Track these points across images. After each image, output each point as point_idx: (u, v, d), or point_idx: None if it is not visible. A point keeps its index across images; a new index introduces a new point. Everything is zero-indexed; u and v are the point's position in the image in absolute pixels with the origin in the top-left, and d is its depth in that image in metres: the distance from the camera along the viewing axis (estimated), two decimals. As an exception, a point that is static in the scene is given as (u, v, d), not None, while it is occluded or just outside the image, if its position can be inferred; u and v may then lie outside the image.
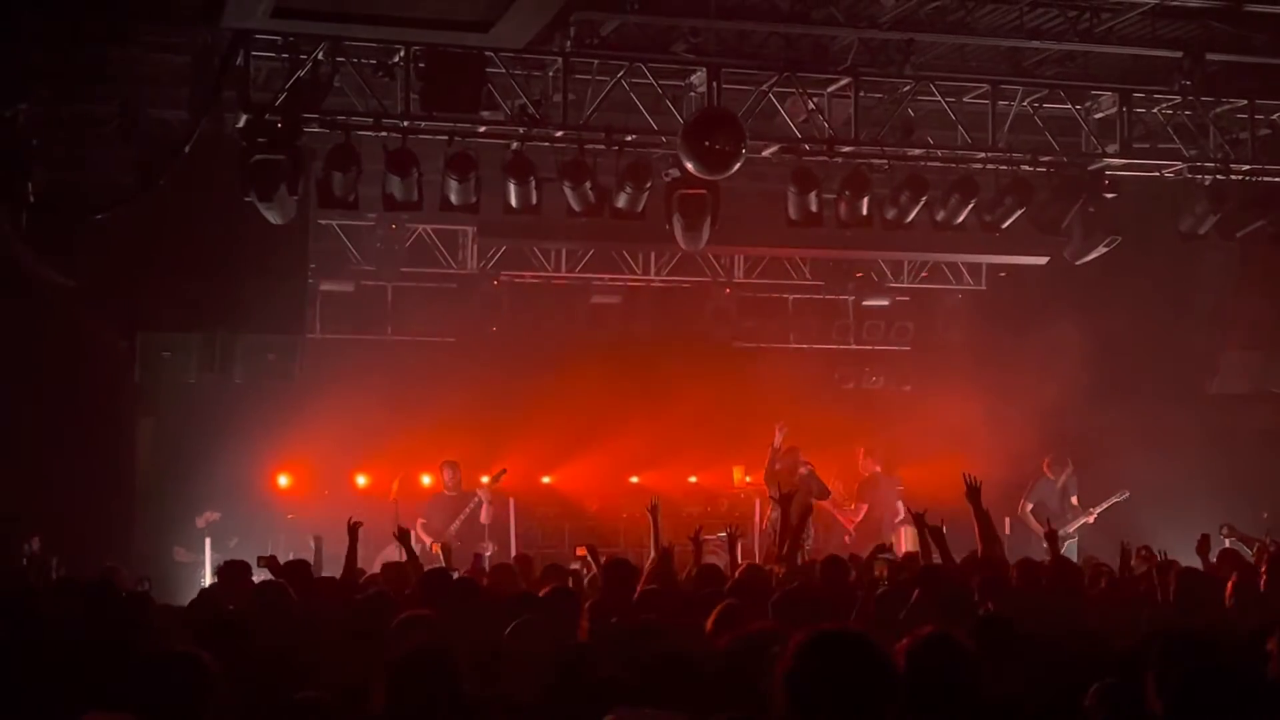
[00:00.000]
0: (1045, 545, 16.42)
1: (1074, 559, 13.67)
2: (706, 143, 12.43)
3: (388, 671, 5.50)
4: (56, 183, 13.37)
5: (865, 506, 17.65)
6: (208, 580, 14.27)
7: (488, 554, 15.05)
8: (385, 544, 16.68)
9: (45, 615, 8.26)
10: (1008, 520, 16.95)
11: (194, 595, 11.36)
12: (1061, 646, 6.94)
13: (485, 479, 16.94)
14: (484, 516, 16.50)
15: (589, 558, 11.92)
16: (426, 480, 18.20)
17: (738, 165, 12.66)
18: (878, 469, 17.98)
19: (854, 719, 4.13)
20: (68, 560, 12.52)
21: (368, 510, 17.67)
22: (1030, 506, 17.15)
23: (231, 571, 11.09)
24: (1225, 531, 14.87)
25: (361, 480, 18.41)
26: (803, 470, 16.82)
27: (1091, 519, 16.85)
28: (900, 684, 4.31)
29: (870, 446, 18.20)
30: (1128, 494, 16.65)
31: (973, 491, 10.50)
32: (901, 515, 17.24)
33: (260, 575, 10.98)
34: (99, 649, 6.78)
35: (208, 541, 16.10)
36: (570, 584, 10.36)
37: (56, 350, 14.16)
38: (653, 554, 11.01)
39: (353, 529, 11.13)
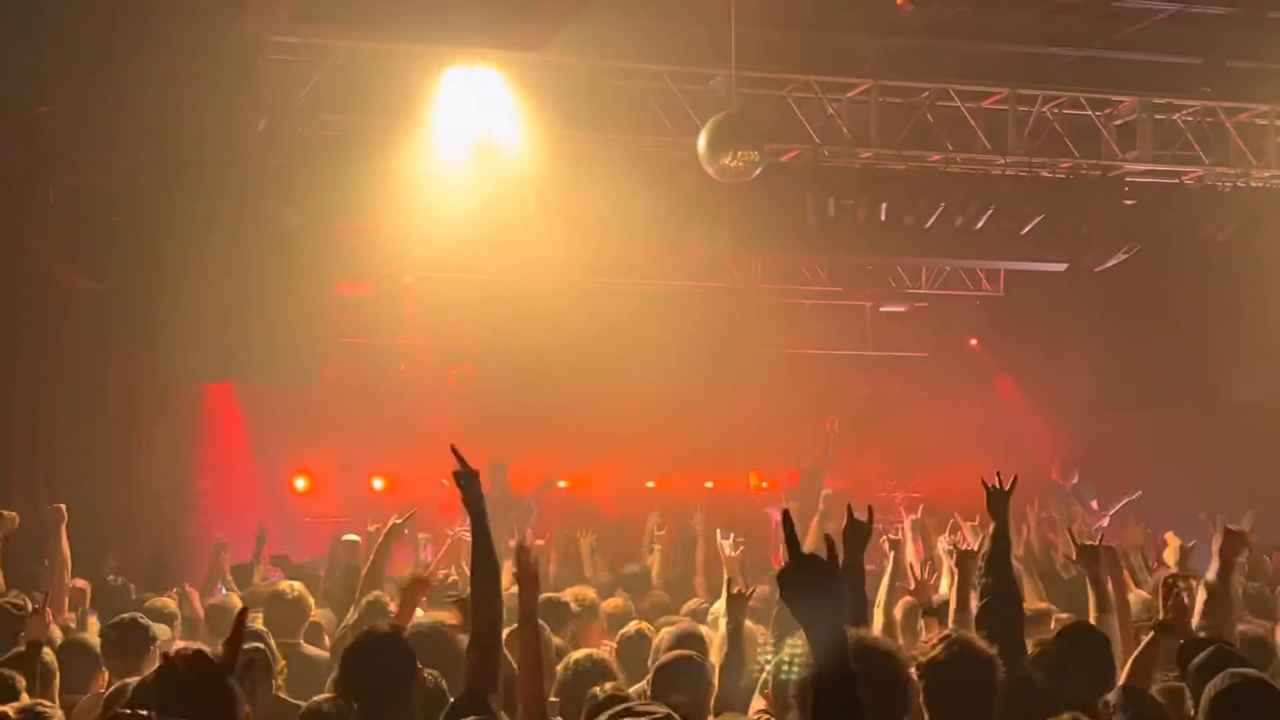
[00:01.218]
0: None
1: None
2: (725, 147, 12.41)
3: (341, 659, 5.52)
4: (77, 186, 13.42)
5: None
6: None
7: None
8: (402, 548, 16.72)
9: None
10: (1024, 527, 16.88)
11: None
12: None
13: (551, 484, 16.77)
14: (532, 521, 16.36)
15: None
16: (444, 483, 18.18)
17: (757, 171, 12.65)
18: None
19: None
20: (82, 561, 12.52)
21: (386, 514, 17.82)
22: (1044, 515, 17.11)
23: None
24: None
25: (379, 484, 18.45)
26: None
27: (1105, 521, 16.81)
28: (912, 694, 4.35)
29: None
30: (1139, 493, 16.62)
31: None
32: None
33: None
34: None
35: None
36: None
37: (75, 352, 14.20)
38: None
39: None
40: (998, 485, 6.60)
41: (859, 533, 5.97)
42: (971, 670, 5.07)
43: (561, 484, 18.71)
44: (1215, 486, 16.27)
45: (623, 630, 8.00)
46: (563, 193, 13.66)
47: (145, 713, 4.57)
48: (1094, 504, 17.10)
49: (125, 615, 7.87)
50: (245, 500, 16.86)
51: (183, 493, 15.71)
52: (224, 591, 10.85)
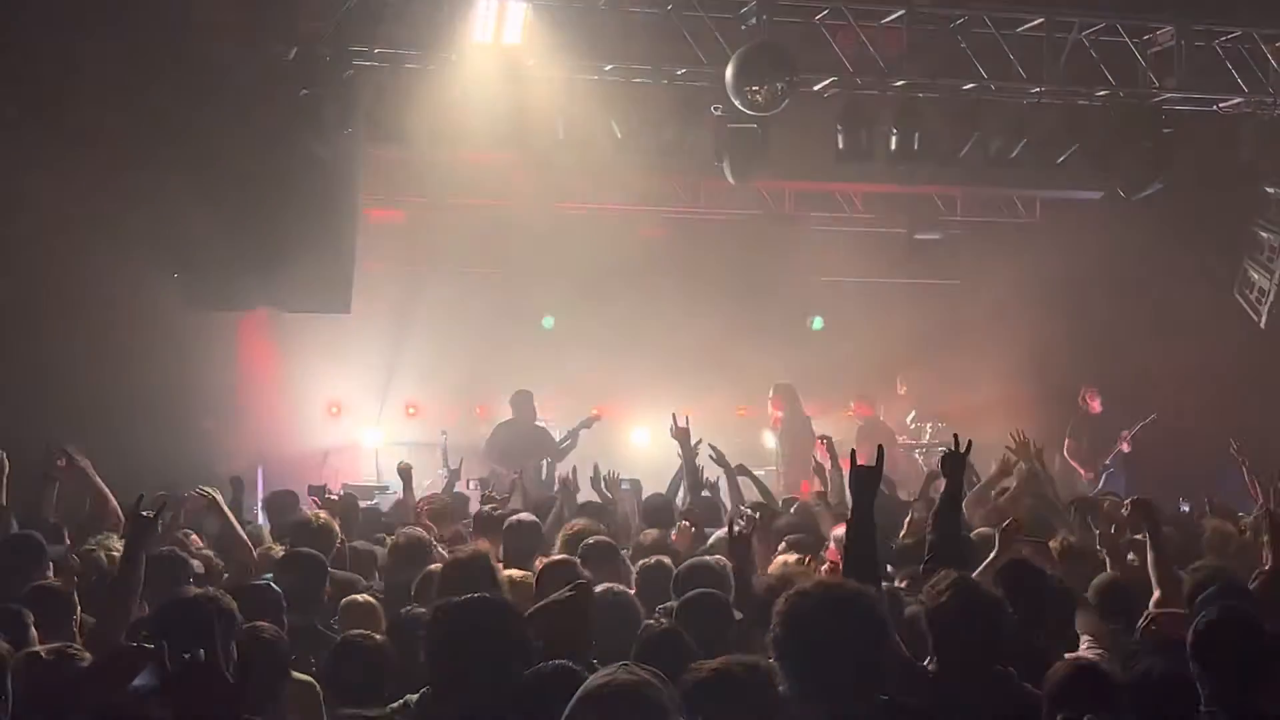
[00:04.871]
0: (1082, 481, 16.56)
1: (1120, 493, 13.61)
2: (756, 78, 12.30)
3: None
4: (107, 115, 13.41)
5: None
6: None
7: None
8: (433, 474, 16.86)
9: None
10: (1057, 458, 16.90)
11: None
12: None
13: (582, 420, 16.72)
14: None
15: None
16: (476, 411, 18.40)
17: (786, 101, 12.54)
18: (871, 413, 17.92)
19: (839, 672, 4.22)
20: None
21: (417, 440, 17.96)
22: (1071, 444, 17.11)
23: (279, 503, 11.23)
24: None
25: (411, 411, 18.56)
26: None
27: (1125, 446, 16.80)
28: (882, 635, 4.40)
29: (863, 393, 18.08)
30: (1154, 416, 16.65)
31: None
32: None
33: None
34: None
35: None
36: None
37: (109, 282, 14.26)
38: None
39: (404, 472, 11.23)
40: (955, 447, 6.62)
41: (868, 479, 5.83)
42: (978, 614, 5.10)
43: (593, 411, 18.62)
44: (1251, 415, 16.20)
45: (643, 561, 8.03)
46: (592, 122, 13.59)
47: (153, 646, 4.70)
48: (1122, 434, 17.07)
49: (163, 548, 7.94)
50: (280, 428, 16.99)
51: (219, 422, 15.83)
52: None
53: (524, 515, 9.27)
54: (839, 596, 4.46)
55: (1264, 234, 17.43)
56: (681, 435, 10.90)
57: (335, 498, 10.78)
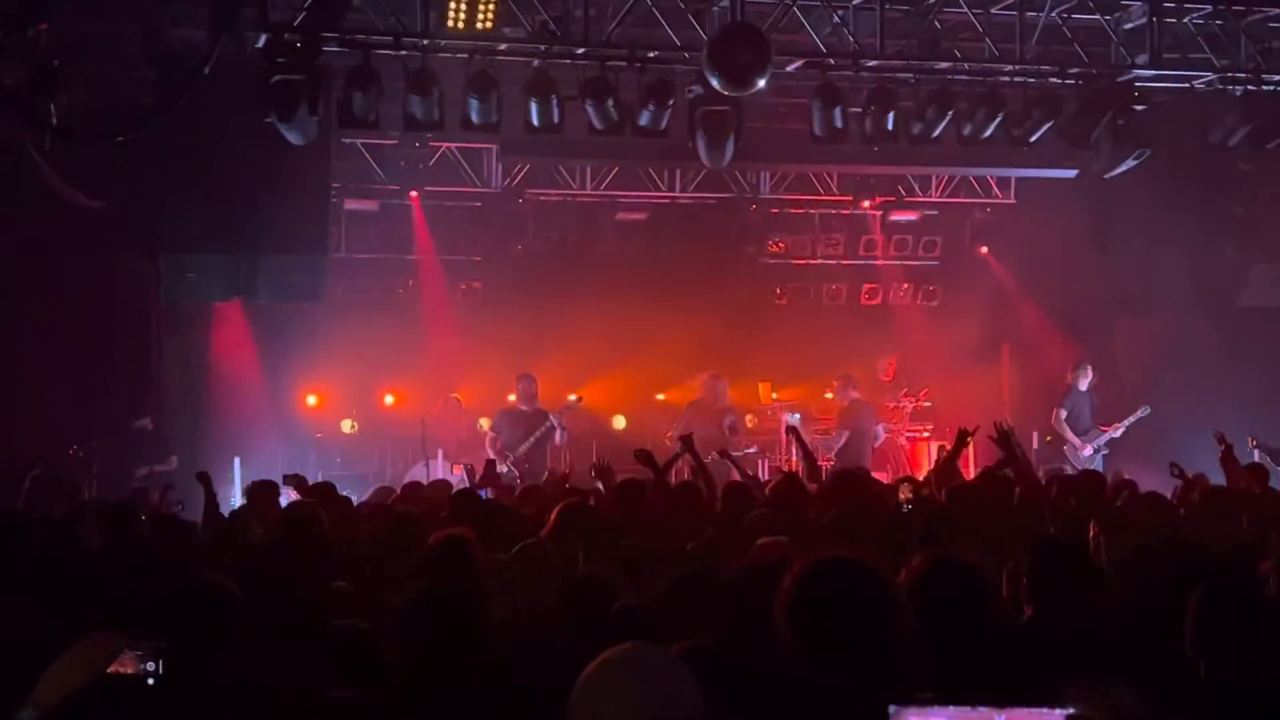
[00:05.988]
0: (1080, 454, 16.59)
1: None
2: (730, 59, 12.27)
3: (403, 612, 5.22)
4: (79, 104, 13.34)
5: (846, 434, 17.46)
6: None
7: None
8: (414, 462, 16.85)
9: (60, 540, 8.33)
10: (1035, 434, 16.95)
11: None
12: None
13: (571, 398, 16.82)
14: (558, 439, 16.46)
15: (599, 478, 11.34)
16: (454, 399, 18.38)
17: (762, 82, 12.52)
18: (856, 395, 17.83)
19: (852, 644, 4.18)
20: (98, 479, 12.60)
21: (395, 429, 17.93)
22: (1064, 414, 17.11)
23: (261, 492, 11.18)
24: (1253, 444, 14.85)
25: (389, 399, 18.51)
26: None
27: (1117, 434, 16.81)
28: (900, 609, 4.35)
29: (847, 374, 18.04)
30: (1149, 410, 16.61)
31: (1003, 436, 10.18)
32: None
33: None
34: (117, 575, 6.82)
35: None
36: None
37: (83, 272, 14.20)
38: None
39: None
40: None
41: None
42: (958, 587, 5.08)
43: (572, 397, 18.63)
44: (1226, 392, 16.27)
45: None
46: (566, 107, 13.53)
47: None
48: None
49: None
50: (256, 419, 16.93)
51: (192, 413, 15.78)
52: None
53: (497, 499, 9.24)
54: (855, 565, 4.41)
55: (1238, 210, 17.53)
56: (644, 458, 10.71)
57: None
